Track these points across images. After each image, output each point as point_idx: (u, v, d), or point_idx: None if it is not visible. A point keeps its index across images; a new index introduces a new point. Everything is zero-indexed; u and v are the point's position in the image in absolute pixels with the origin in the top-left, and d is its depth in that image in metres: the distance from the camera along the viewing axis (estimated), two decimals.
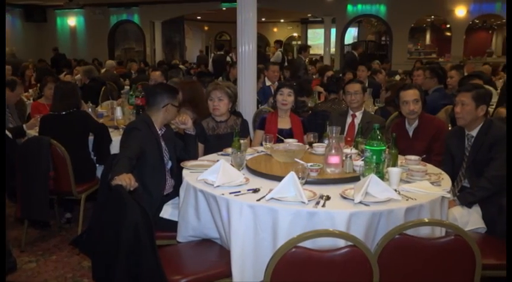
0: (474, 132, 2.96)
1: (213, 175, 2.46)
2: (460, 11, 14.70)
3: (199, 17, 20.32)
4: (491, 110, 4.67)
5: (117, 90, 7.97)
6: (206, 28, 22.25)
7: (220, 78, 8.07)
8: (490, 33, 19.95)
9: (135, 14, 17.29)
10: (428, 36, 20.30)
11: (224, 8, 16.16)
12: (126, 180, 2.21)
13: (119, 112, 4.39)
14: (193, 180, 2.53)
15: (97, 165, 3.91)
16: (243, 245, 2.17)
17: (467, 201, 2.80)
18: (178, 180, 2.83)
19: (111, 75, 8.70)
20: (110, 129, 4.05)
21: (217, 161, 2.60)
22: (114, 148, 3.86)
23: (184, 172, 2.72)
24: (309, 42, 21.27)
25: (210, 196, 2.36)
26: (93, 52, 16.10)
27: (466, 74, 5.94)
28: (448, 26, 16.28)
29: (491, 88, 5.76)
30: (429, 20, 18.43)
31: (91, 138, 3.89)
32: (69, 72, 8.84)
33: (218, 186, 2.37)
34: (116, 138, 3.95)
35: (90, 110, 4.72)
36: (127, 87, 8.21)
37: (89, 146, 3.87)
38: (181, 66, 11.68)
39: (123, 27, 18.00)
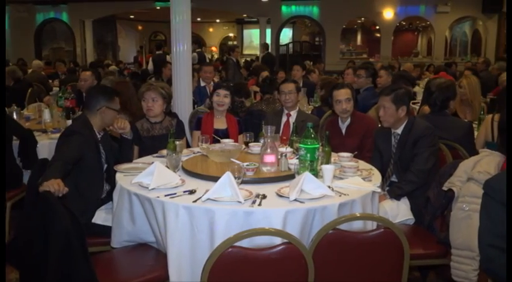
0: (399, 130, 3.10)
1: (147, 178, 2.41)
2: (388, 13, 15.42)
3: (132, 16, 19.83)
4: (417, 107, 4.94)
5: (45, 92, 7.59)
6: (140, 28, 21.74)
7: (153, 78, 7.92)
8: (416, 34, 21.11)
9: (64, 12, 16.59)
10: (359, 37, 21.10)
11: (158, 7, 15.89)
12: (54, 186, 2.13)
13: (47, 115, 4.20)
14: (127, 183, 2.46)
15: (24, 170, 3.69)
16: (179, 247, 2.15)
17: (395, 194, 2.94)
18: (113, 184, 2.75)
19: (38, 76, 8.28)
20: (38, 133, 3.87)
21: (152, 163, 2.55)
22: (42, 152, 3.68)
23: (118, 175, 2.64)
24: (245, 43, 21.44)
25: (144, 199, 2.31)
26: (18, 52, 15.20)
27: None
28: (377, 27, 17.03)
29: (417, 87, 6.10)
30: (360, 21, 19.18)
31: (17, 142, 3.67)
32: None
33: (153, 188, 2.32)
34: (43, 142, 3.78)
35: (15, 113, 4.46)
36: (56, 89, 7.85)
37: (13, 151, 3.66)
38: (113, 66, 11.30)
39: (50, 26, 17.21)
